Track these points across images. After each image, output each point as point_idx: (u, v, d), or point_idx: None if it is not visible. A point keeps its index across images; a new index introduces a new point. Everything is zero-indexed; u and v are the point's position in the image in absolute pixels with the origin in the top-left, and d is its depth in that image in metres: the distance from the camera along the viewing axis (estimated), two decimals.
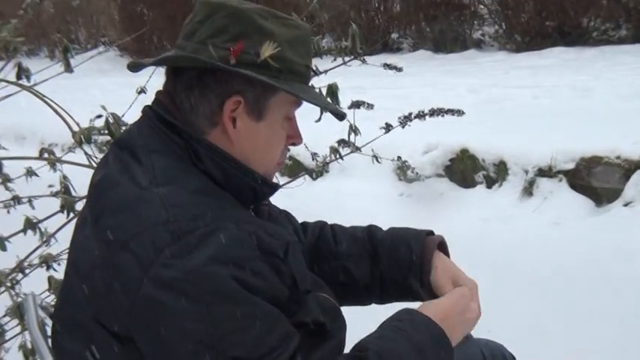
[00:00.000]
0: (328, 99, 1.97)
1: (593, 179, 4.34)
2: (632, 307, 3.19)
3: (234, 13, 1.28)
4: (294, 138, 1.41)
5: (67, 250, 1.46)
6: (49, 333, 1.40)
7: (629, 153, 4.25)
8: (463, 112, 2.10)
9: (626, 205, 4.12)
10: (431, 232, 1.64)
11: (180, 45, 1.31)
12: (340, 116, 1.44)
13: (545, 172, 4.46)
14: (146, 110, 1.35)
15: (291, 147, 1.43)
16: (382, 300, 1.66)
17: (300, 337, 1.22)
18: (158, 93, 1.36)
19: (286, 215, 1.66)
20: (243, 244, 1.17)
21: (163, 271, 1.12)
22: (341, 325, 1.41)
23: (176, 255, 1.12)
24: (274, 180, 1.44)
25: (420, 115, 2.15)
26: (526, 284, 3.52)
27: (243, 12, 1.28)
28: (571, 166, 4.40)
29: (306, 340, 1.25)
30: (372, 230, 1.68)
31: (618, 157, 4.28)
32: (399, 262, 1.60)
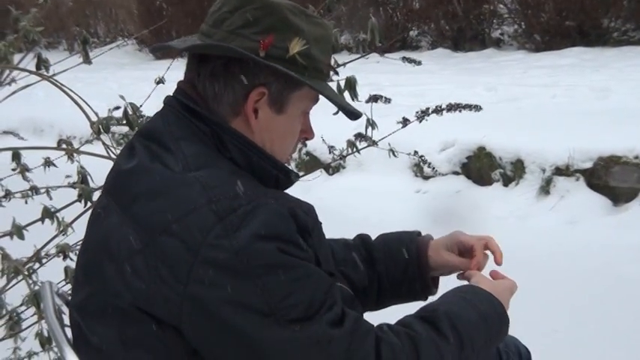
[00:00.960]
0: (346, 93, 1.97)
1: (611, 179, 4.32)
2: None
3: (267, 6, 1.29)
4: (307, 133, 1.44)
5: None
6: (66, 321, 1.41)
7: None
8: (480, 108, 2.09)
9: None
10: (419, 233, 1.68)
11: (207, 32, 1.32)
12: (355, 116, 1.44)
13: (563, 171, 4.44)
14: (169, 99, 1.36)
15: (303, 141, 1.47)
16: (378, 303, 1.68)
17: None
18: (180, 82, 1.37)
19: None
20: (283, 219, 1.20)
21: (213, 252, 1.14)
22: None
23: (222, 235, 1.15)
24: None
25: (438, 110, 2.14)
26: (540, 283, 3.50)
27: (275, 6, 1.29)
28: (588, 165, 4.38)
29: None
30: (363, 237, 1.72)
31: (636, 157, 4.26)
32: (396, 262, 1.63)
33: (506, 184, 4.72)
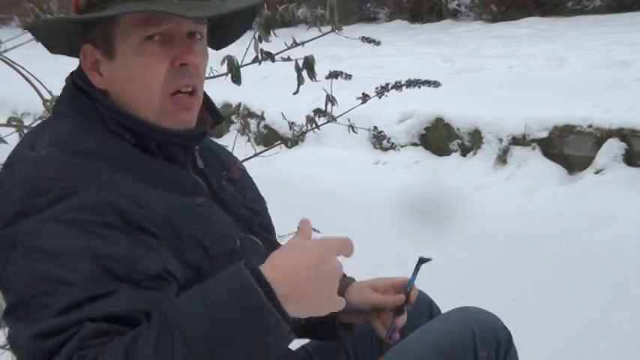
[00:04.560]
0: (305, 72, 1.96)
1: (566, 147, 4.39)
2: (600, 272, 3.24)
3: None
4: (181, 57, 1.20)
5: None
6: None
7: (601, 122, 4.30)
8: (439, 84, 2.11)
9: (597, 172, 4.18)
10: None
11: None
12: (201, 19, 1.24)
13: (519, 141, 4.50)
14: (69, 75, 1.31)
15: (187, 68, 1.22)
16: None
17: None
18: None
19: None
20: (95, 210, 1.09)
21: (8, 229, 1.09)
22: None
23: (23, 212, 1.09)
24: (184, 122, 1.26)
25: (397, 86, 2.15)
26: (500, 250, 3.57)
27: None
28: (544, 134, 4.45)
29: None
30: None
31: (590, 126, 4.33)
32: None
33: (464, 155, 4.77)
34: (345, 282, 1.48)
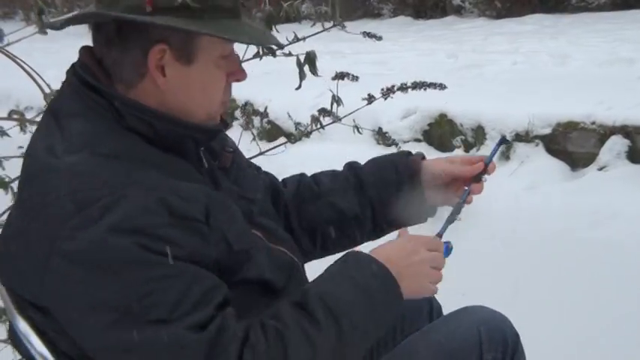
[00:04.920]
0: (307, 67, 1.95)
1: (569, 144, 4.38)
2: (602, 269, 3.24)
3: None
4: (237, 74, 1.31)
5: None
6: None
7: (604, 119, 4.29)
8: (445, 87, 2.11)
9: (600, 169, 4.18)
10: (410, 153, 1.61)
11: None
12: (278, 45, 1.41)
13: (523, 137, 4.50)
14: (69, 71, 1.29)
15: (234, 83, 1.34)
16: (376, 231, 1.61)
17: (242, 294, 1.19)
18: (81, 50, 1.30)
19: (257, 169, 1.61)
20: (148, 212, 1.11)
21: (67, 245, 1.09)
22: (299, 282, 1.36)
23: (79, 227, 1.09)
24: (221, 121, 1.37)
25: (403, 88, 2.15)
26: (502, 246, 3.57)
27: None
28: (547, 131, 4.44)
29: (252, 298, 1.23)
30: (351, 164, 1.65)
31: (593, 123, 4.32)
32: (387, 183, 1.56)
33: (467, 151, 4.76)
34: (417, 157, 1.58)
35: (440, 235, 1.41)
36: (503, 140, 1.56)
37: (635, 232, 3.53)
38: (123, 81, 1.24)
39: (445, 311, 1.68)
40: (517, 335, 1.49)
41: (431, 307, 1.66)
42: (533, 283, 3.19)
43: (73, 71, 1.28)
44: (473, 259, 3.42)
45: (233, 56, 1.30)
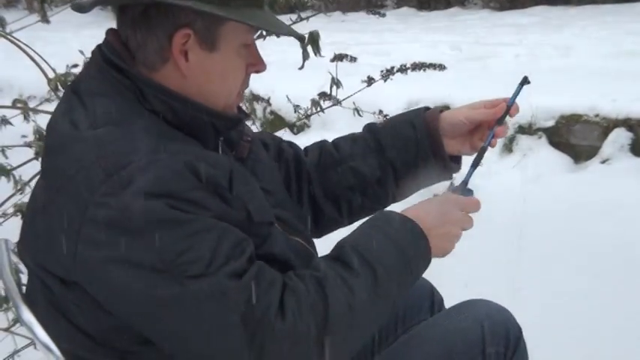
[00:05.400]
0: (311, 47, 1.95)
1: (572, 137, 4.37)
2: (605, 261, 3.24)
3: None
4: (257, 65, 1.33)
5: None
6: (24, 280, 1.40)
7: (608, 111, 4.28)
8: (445, 67, 2.10)
9: (603, 162, 4.17)
10: (428, 108, 1.60)
11: None
12: (299, 38, 1.42)
13: (526, 129, 4.49)
14: (95, 50, 1.30)
15: (254, 74, 1.36)
16: (400, 193, 1.60)
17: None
18: (108, 31, 1.31)
19: (280, 142, 1.62)
20: (178, 175, 1.13)
21: (99, 210, 1.09)
22: None
23: (110, 193, 1.09)
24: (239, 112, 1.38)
25: (402, 69, 2.15)
26: (504, 238, 3.56)
27: None
28: (551, 123, 4.43)
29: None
30: (370, 126, 1.63)
31: (597, 116, 4.31)
32: (406, 142, 1.55)
33: None
34: (434, 111, 1.57)
35: (465, 182, 1.40)
36: (525, 80, 1.54)
37: (637, 226, 3.53)
38: (146, 64, 1.25)
39: (447, 302, 1.67)
40: (520, 330, 1.49)
41: (432, 300, 1.65)
42: (534, 275, 3.19)
43: (99, 51, 1.28)
44: (475, 250, 3.42)
45: (254, 46, 1.32)
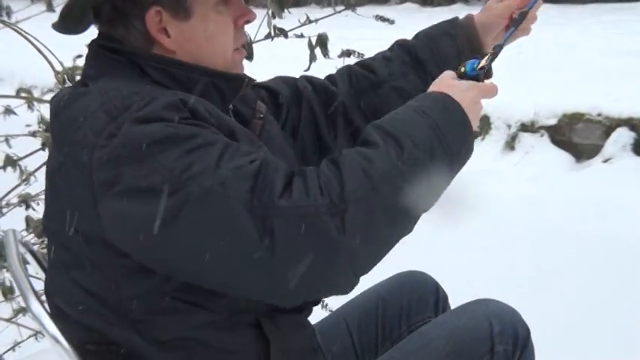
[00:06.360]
0: (318, 49, 1.94)
1: (574, 135, 4.37)
2: (606, 260, 3.24)
3: None
4: (245, 16, 1.30)
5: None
6: (30, 271, 1.39)
7: (610, 110, 4.28)
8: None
9: (605, 161, 4.17)
10: (457, 18, 1.57)
11: None
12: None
13: (528, 127, 4.49)
14: (91, 43, 1.29)
15: (243, 27, 1.32)
16: None
17: None
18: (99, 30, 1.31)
19: (295, 87, 1.56)
20: (177, 107, 1.11)
21: (104, 151, 1.08)
22: None
23: (113, 133, 1.08)
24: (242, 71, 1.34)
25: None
26: (506, 236, 3.56)
27: None
28: (553, 121, 4.43)
29: None
30: (402, 43, 1.59)
31: (599, 114, 4.31)
32: (445, 55, 1.52)
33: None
34: (467, 18, 1.57)
35: (501, 45, 1.40)
36: None
37: (638, 225, 3.53)
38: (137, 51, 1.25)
39: (451, 299, 1.67)
40: (528, 331, 1.47)
41: (437, 297, 1.64)
42: (536, 272, 3.19)
43: (95, 43, 1.28)
44: (478, 247, 3.42)
45: (234, 0, 1.29)
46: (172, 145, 1.06)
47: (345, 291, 1.10)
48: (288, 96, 1.55)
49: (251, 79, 1.33)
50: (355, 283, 1.09)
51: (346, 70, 1.61)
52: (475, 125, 1.23)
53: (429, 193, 1.14)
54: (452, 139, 1.15)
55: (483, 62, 1.34)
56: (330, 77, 1.61)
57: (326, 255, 1.03)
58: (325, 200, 1.03)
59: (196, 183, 1.03)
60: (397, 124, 1.14)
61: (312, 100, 1.56)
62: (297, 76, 1.61)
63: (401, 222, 1.12)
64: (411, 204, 1.10)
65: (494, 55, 1.37)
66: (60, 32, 1.31)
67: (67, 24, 1.29)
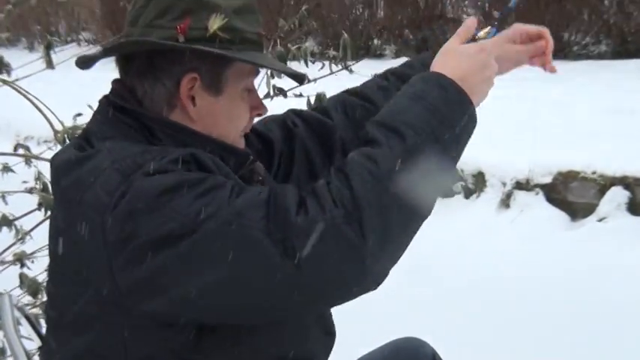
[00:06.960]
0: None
1: (569, 194, 4.38)
2: (601, 321, 3.22)
3: None
4: (259, 108, 1.38)
5: (42, 248, 1.45)
6: (23, 332, 1.39)
7: (605, 169, 4.30)
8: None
9: (600, 220, 4.17)
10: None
11: (127, 32, 1.29)
12: (300, 78, 1.45)
13: (523, 185, 4.50)
14: (102, 100, 1.32)
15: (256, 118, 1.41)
16: None
17: None
18: (113, 81, 1.34)
19: (285, 125, 1.60)
20: (185, 160, 1.15)
21: (118, 209, 1.09)
22: None
23: (127, 191, 1.10)
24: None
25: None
26: (499, 298, 3.54)
27: None
28: (548, 179, 4.44)
29: None
30: (394, 72, 1.62)
31: (594, 173, 4.33)
32: None
33: (467, 197, 4.76)
34: None
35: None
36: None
37: (633, 285, 3.51)
38: (154, 111, 1.27)
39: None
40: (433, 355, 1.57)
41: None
42: (528, 330, 3.16)
43: (106, 99, 1.30)
44: (473, 305, 3.40)
45: (255, 91, 1.37)
46: (182, 190, 1.09)
47: (369, 290, 1.12)
48: (280, 140, 1.58)
49: (254, 159, 1.36)
50: (380, 281, 1.12)
51: (338, 100, 1.65)
52: (489, 86, 1.30)
53: (441, 174, 1.18)
54: (452, 115, 1.19)
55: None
56: (321, 109, 1.64)
57: (351, 262, 1.07)
58: (340, 211, 1.06)
59: (212, 220, 1.06)
60: (395, 115, 1.17)
61: (305, 140, 1.59)
62: (285, 112, 1.65)
63: (418, 209, 1.15)
64: (424, 191, 1.14)
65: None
66: (80, 68, 1.33)
67: (89, 61, 1.32)
